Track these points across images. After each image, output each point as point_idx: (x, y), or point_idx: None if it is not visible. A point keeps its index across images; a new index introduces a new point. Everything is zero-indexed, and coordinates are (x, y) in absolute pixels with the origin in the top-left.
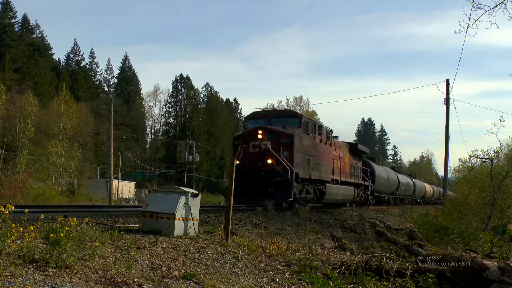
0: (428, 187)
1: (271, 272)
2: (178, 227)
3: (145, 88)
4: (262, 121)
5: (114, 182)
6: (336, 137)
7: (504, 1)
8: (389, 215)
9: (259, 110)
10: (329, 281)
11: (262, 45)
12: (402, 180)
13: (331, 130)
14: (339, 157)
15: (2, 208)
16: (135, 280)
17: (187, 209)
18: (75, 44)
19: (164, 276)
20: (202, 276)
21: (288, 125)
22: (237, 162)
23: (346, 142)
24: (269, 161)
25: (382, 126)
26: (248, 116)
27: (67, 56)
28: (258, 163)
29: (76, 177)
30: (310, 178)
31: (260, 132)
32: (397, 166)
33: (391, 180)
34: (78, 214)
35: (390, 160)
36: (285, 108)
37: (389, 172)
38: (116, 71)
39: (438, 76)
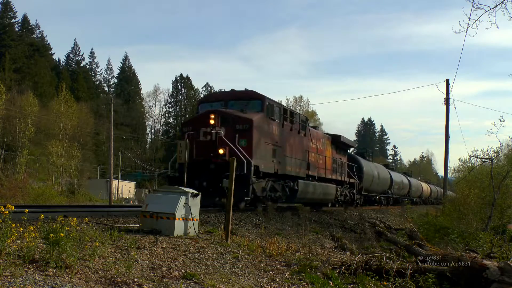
0: (425, 186)
1: (271, 272)
2: (178, 227)
3: (145, 88)
4: (217, 104)
5: (114, 182)
6: (316, 127)
7: (504, 1)
8: (389, 215)
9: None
10: (329, 281)
11: (262, 45)
12: (396, 178)
13: (307, 118)
14: (317, 150)
15: (2, 208)
16: (135, 280)
17: (187, 209)
18: (75, 44)
19: (164, 276)
20: (202, 276)
21: (248, 108)
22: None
23: (328, 134)
24: (221, 151)
25: (382, 126)
26: (201, 99)
27: (67, 56)
28: (208, 154)
29: (76, 177)
30: (276, 173)
31: (212, 116)
32: (391, 164)
33: (382, 178)
34: (78, 214)
35: (390, 160)
36: (245, 89)
37: (381, 169)
38: (116, 71)
39: (438, 76)
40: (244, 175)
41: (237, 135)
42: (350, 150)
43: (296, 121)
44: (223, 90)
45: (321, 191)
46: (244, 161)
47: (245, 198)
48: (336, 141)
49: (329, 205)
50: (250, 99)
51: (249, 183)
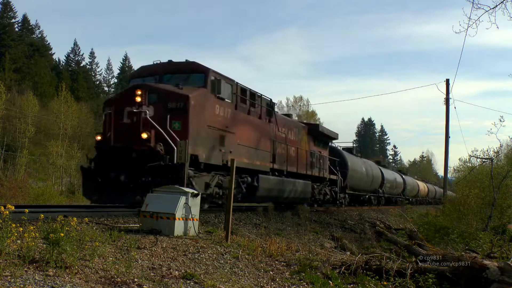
0: (421, 185)
1: (271, 272)
2: (178, 227)
3: None
4: (151, 79)
5: None
6: (289, 115)
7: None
8: (389, 215)
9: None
10: (329, 281)
11: (262, 45)
12: (388, 176)
13: (272, 101)
14: (288, 140)
15: (2, 208)
16: (135, 280)
17: (187, 209)
18: (75, 44)
19: (164, 276)
20: (202, 276)
21: (188, 83)
22: (98, 137)
23: (304, 123)
24: (144, 136)
25: (382, 126)
26: (133, 73)
27: (67, 56)
28: (129, 139)
29: (76, 177)
30: (226, 165)
31: (138, 92)
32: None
33: (372, 175)
34: (78, 214)
35: (391, 160)
36: (186, 60)
37: (370, 166)
38: (116, 71)
39: (438, 76)
40: (174, 167)
41: (168, 116)
42: (342, 147)
43: (258, 104)
44: (158, 61)
45: (291, 188)
46: (175, 149)
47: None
48: (314, 132)
49: (305, 204)
50: (191, 72)
51: (183, 177)
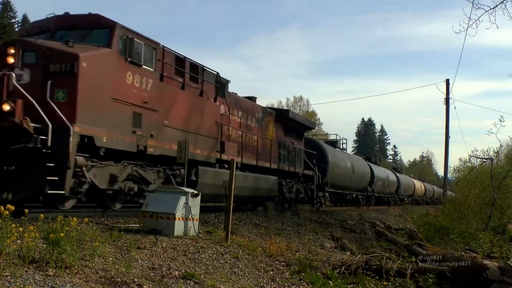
0: (418, 184)
1: (271, 272)
2: (178, 227)
3: None
4: (42, 37)
5: None
6: (253, 98)
7: (504, 1)
8: (389, 215)
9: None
10: (329, 281)
11: (262, 45)
12: (379, 173)
13: (219, 75)
14: (245, 126)
15: (2, 208)
16: (135, 280)
17: (187, 209)
18: None
19: (164, 276)
20: (202, 276)
21: (87, 41)
22: None
23: (271, 108)
24: (6, 108)
25: (382, 126)
26: (21, 31)
27: None
28: None
29: None
30: (144, 152)
31: (11, 51)
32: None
33: (359, 172)
34: (78, 214)
35: (390, 160)
36: (90, 13)
37: (357, 162)
38: None
39: (438, 76)
40: (52, 153)
41: (49, 83)
42: (325, 140)
43: (201, 79)
44: (52, 14)
45: (248, 185)
46: (49, 126)
47: (53, 192)
48: (284, 119)
49: (273, 204)
50: (93, 27)
51: (65, 169)
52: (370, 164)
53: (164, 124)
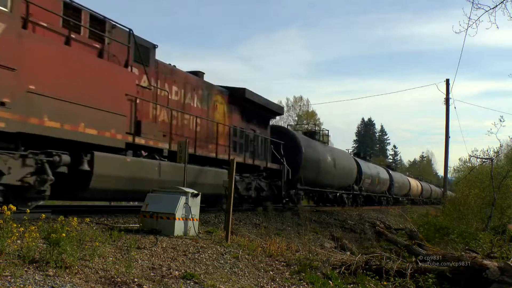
0: (414, 183)
1: (271, 272)
2: (178, 227)
3: None
4: None
5: None
6: (199, 73)
7: (504, 1)
8: (389, 215)
9: None
10: (329, 281)
11: (262, 45)
12: (367, 170)
13: (132, 32)
14: (181, 105)
15: (5, 207)
16: (135, 280)
17: (187, 209)
18: None
19: (164, 276)
20: (202, 276)
21: None
22: None
23: (223, 87)
24: None
25: (382, 126)
26: None
27: None
28: None
29: None
30: None
31: None
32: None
33: (342, 168)
34: (78, 214)
35: (390, 160)
36: None
37: (340, 156)
38: None
39: (438, 76)
40: None
41: None
42: (302, 130)
43: (107, 37)
44: None
45: (179, 179)
46: None
47: None
48: (240, 100)
49: (222, 205)
50: None
51: None
52: (358, 159)
53: (29, 90)
